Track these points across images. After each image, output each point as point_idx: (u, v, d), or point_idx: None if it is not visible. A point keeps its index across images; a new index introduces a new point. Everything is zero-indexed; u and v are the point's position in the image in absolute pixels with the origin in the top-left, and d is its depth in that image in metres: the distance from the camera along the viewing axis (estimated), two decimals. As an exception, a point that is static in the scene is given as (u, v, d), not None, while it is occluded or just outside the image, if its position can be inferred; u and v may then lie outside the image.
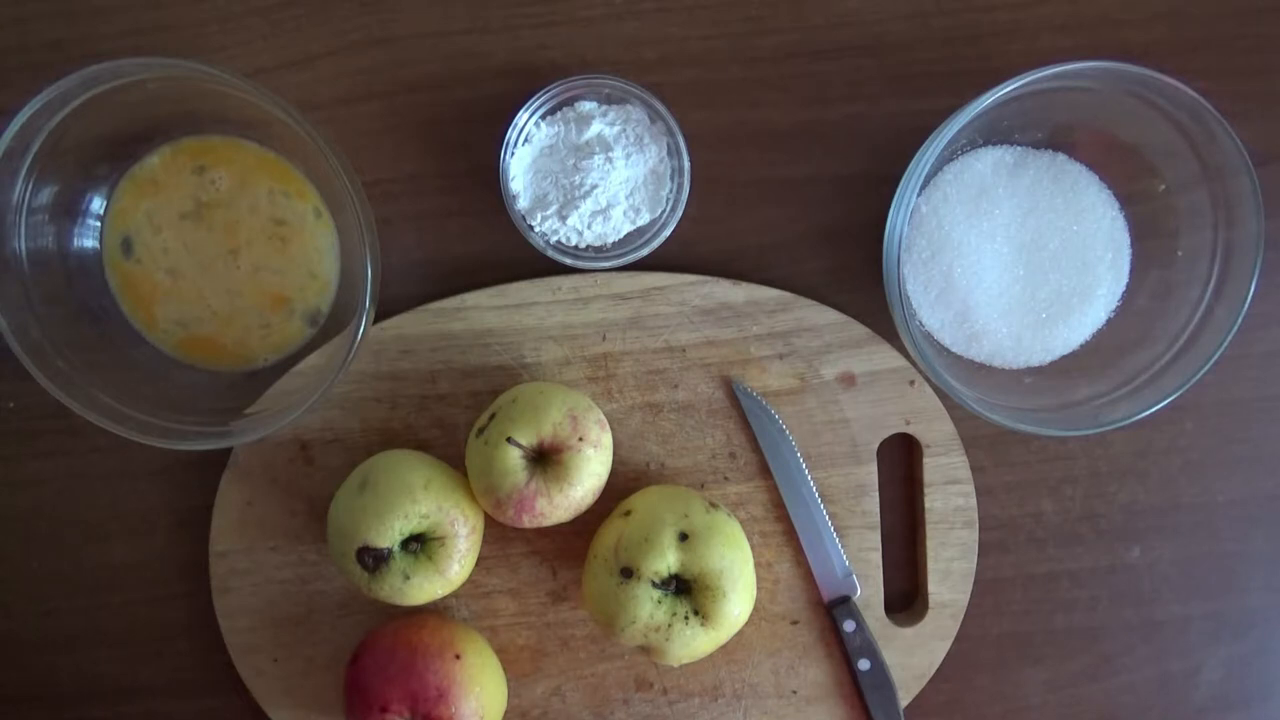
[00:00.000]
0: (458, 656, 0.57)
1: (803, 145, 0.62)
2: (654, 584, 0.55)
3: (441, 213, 0.62)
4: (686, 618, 0.55)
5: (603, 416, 0.58)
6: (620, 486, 0.61)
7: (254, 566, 0.62)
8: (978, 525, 0.63)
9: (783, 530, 0.63)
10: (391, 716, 0.55)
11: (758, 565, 0.62)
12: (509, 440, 0.55)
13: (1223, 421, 0.64)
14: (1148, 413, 0.56)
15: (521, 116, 0.59)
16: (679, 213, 0.60)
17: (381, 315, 0.61)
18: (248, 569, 0.62)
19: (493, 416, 0.57)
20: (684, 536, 0.55)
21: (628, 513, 0.57)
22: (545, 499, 0.56)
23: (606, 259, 0.60)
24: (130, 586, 0.64)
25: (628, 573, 0.55)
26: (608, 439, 0.58)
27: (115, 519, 0.64)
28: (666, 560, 0.55)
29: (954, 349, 0.62)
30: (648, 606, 0.55)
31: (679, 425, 0.62)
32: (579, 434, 0.56)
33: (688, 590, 0.56)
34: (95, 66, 0.51)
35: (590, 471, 0.56)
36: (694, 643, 0.56)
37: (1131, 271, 0.61)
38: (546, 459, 0.56)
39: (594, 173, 0.59)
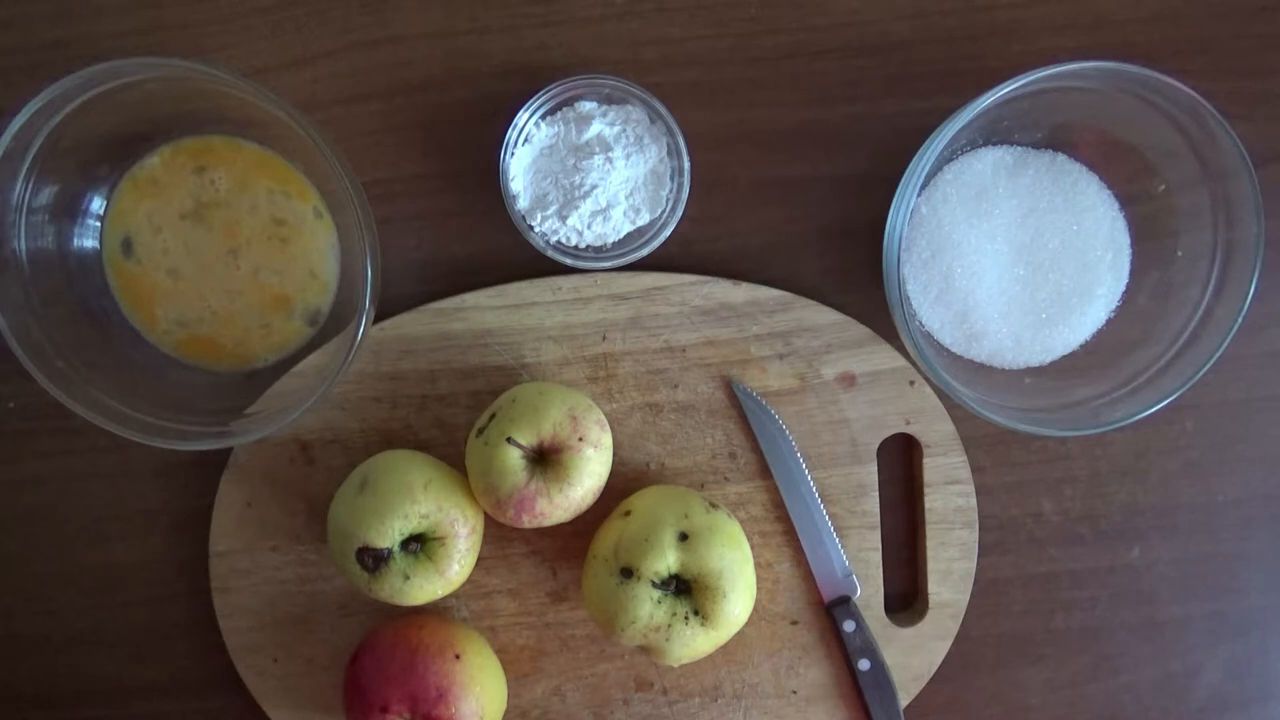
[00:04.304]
0: (458, 656, 0.57)
1: (803, 145, 0.62)
2: (654, 584, 0.55)
3: (441, 213, 0.62)
4: (686, 618, 0.55)
5: (603, 416, 0.58)
6: (620, 486, 0.61)
7: (254, 566, 0.62)
8: (978, 525, 0.63)
9: (783, 530, 0.63)
10: (391, 716, 0.55)
11: (758, 565, 0.62)
12: (509, 440, 0.55)
13: (1223, 421, 0.64)
14: (1148, 413, 0.56)
15: (521, 116, 0.59)
16: (679, 213, 0.60)
17: (381, 315, 0.61)
18: (248, 569, 0.62)
19: (493, 416, 0.57)
20: (684, 536, 0.55)
21: (628, 513, 0.57)
22: (545, 499, 0.56)
23: (606, 259, 0.60)
24: (130, 586, 0.64)
25: (628, 573, 0.55)
26: (608, 439, 0.58)
27: (115, 519, 0.64)
28: (666, 560, 0.55)
29: (954, 349, 0.62)
30: (648, 606, 0.55)
31: (679, 425, 0.62)
32: (579, 434, 0.56)
33: (688, 590, 0.56)
34: (95, 66, 0.51)
35: (590, 471, 0.56)
36: (694, 643, 0.56)
37: (1131, 271, 0.61)
38: (546, 459, 0.56)
39: (594, 173, 0.59)
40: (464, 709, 0.56)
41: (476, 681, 0.57)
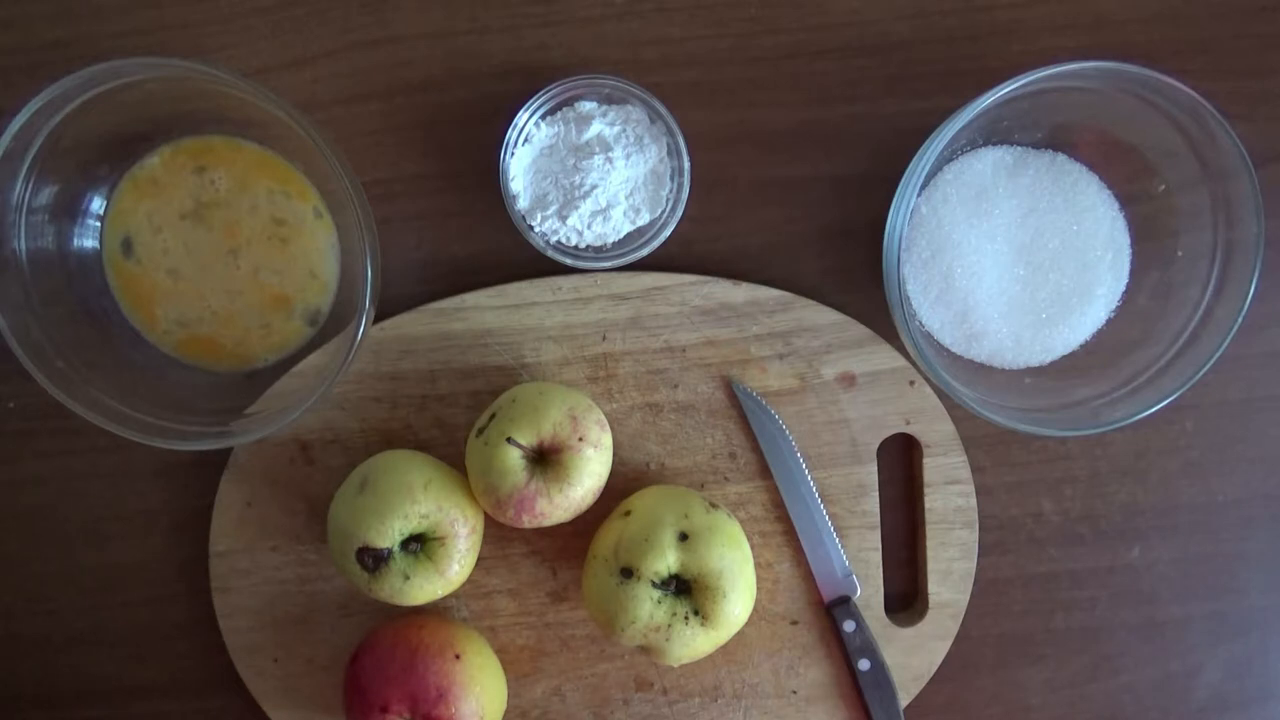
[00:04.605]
0: (458, 656, 0.57)
1: (803, 145, 0.62)
2: (654, 584, 0.55)
3: (441, 213, 0.62)
4: (686, 618, 0.55)
5: (603, 416, 0.58)
6: (620, 486, 0.61)
7: (254, 566, 0.62)
8: (978, 525, 0.63)
9: (783, 530, 0.63)
10: (391, 716, 0.55)
11: (758, 565, 0.62)
12: (509, 440, 0.55)
13: (1223, 421, 0.64)
14: (1148, 413, 0.56)
15: (521, 116, 0.59)
16: (679, 213, 0.60)
17: (381, 315, 0.61)
18: (248, 569, 0.62)
19: (493, 416, 0.57)
20: (684, 536, 0.55)
21: (628, 513, 0.57)
22: (545, 499, 0.56)
23: (606, 259, 0.60)
24: (130, 586, 0.64)
25: (628, 573, 0.55)
26: (608, 439, 0.58)
27: (115, 519, 0.64)
28: (666, 560, 0.55)
29: (954, 349, 0.62)
30: (648, 606, 0.55)
31: (679, 425, 0.62)
32: (579, 434, 0.56)
33: (688, 590, 0.56)
34: (95, 66, 0.51)
35: (590, 471, 0.56)
36: (694, 643, 0.56)
37: (1131, 271, 0.61)
38: (546, 459, 0.56)
39: (594, 173, 0.59)
40: (464, 709, 0.56)
41: (476, 681, 0.57)
